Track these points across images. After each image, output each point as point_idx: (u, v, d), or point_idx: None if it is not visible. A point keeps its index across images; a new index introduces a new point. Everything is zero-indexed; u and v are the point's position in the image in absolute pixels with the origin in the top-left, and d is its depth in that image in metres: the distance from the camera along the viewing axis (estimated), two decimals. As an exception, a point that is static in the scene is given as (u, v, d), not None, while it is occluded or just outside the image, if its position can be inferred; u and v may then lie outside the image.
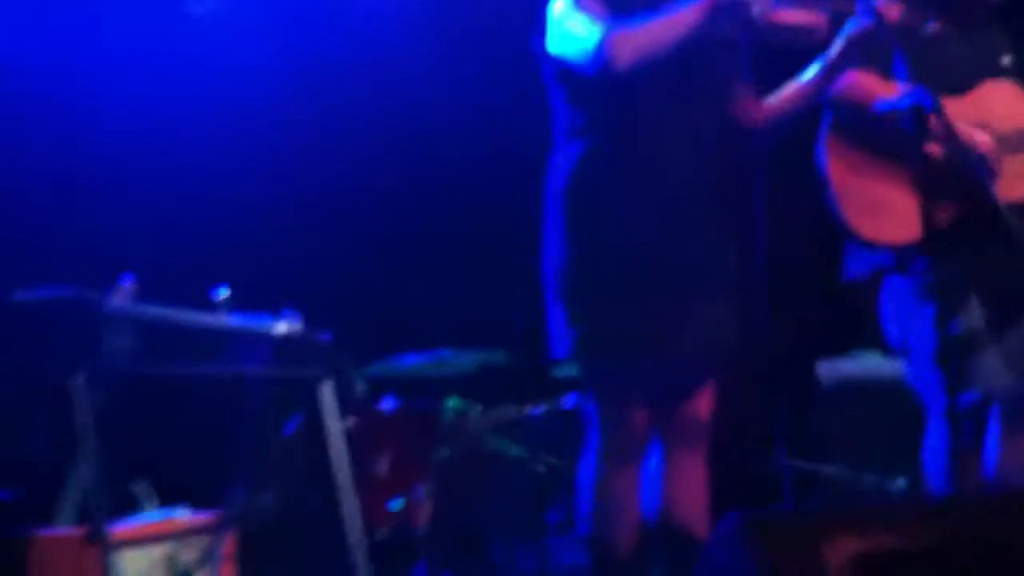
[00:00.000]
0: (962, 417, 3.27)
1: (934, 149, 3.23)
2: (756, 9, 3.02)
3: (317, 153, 5.28)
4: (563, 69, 3.17)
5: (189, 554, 3.04)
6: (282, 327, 2.93)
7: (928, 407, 3.35)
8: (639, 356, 3.09)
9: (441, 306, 5.32)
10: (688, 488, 3.25)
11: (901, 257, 3.38)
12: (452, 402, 4.56)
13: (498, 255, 5.05)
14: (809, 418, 4.98)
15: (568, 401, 4.48)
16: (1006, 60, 3.53)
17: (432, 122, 5.47)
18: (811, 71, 3.23)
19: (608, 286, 3.09)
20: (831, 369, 5.18)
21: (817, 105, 3.31)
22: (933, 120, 2.88)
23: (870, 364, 5.16)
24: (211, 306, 2.98)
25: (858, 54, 3.16)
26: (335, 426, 2.83)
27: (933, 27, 3.23)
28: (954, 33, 3.50)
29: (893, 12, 3.07)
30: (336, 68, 5.32)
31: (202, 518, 3.14)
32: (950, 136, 3.00)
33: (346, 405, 3.41)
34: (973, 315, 3.31)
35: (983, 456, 3.30)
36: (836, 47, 3.16)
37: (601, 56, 2.98)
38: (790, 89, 3.28)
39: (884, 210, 3.23)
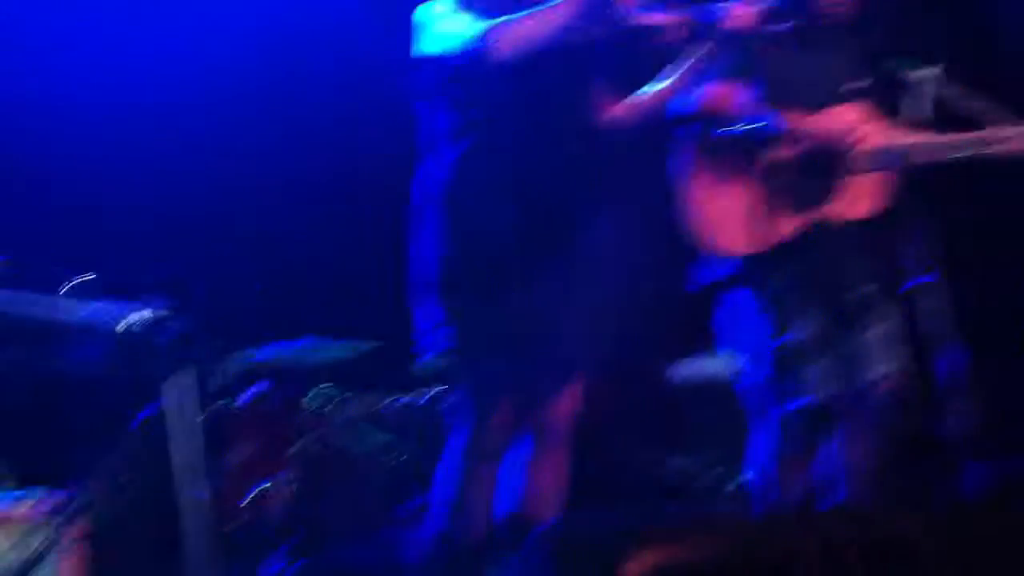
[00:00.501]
0: (792, 422, 3.43)
1: (777, 167, 3.40)
2: (621, 8, 3.13)
3: (192, 144, 5.27)
4: (441, 70, 3.23)
5: (41, 537, 3.03)
6: (130, 319, 2.93)
7: (757, 412, 3.50)
8: (507, 354, 3.16)
9: (308, 295, 5.34)
10: (547, 485, 3.32)
11: (742, 267, 3.51)
12: (317, 391, 4.58)
13: (368, 245, 5.05)
14: (662, 416, 5.14)
15: (432, 394, 4.54)
16: (860, 83, 3.69)
17: (298, 119, 5.50)
18: (669, 77, 3.34)
19: (479, 285, 3.16)
20: (683, 370, 5.35)
21: (673, 113, 3.43)
22: (776, 142, 2.98)
23: (720, 365, 5.35)
24: (70, 293, 2.97)
25: (715, 65, 3.29)
26: (183, 418, 2.84)
27: (787, 30, 3.33)
28: (809, 51, 3.66)
29: (746, 22, 3.19)
30: (209, 63, 5.30)
31: (55, 501, 3.13)
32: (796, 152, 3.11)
33: (204, 395, 3.40)
34: (808, 324, 3.48)
35: (812, 461, 3.46)
36: (692, 55, 3.28)
37: (483, 45, 3.07)
38: (649, 94, 3.38)
39: (729, 221, 3.36)
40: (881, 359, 3.52)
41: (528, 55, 3.09)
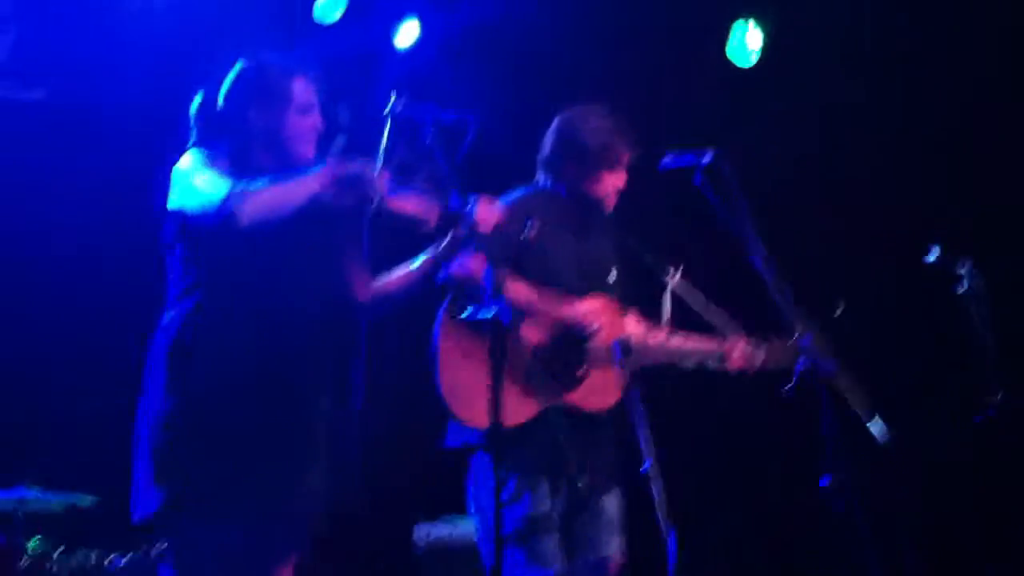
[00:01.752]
0: None
1: (520, 350, 3.52)
2: (374, 189, 3.15)
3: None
4: (182, 225, 3.19)
5: None
6: None
7: None
8: (222, 520, 3.07)
9: (28, 445, 5.14)
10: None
11: (486, 437, 3.58)
12: (33, 543, 4.37)
13: (98, 396, 4.97)
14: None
15: (155, 552, 4.39)
16: (613, 275, 3.88)
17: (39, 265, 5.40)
18: (419, 259, 3.43)
19: (198, 445, 3.07)
20: (427, 532, 5.35)
21: (432, 284, 3.50)
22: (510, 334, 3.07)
23: (465, 528, 5.38)
24: None
25: (463, 248, 3.38)
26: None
27: (531, 228, 3.46)
28: (568, 240, 3.84)
29: (492, 218, 3.28)
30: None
31: None
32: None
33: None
34: (541, 499, 3.56)
35: None
36: (444, 242, 3.37)
37: (225, 209, 3.01)
38: (399, 272, 3.46)
39: (476, 394, 3.38)
40: (607, 541, 3.65)
41: (267, 223, 3.06)
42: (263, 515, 3.12)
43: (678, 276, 3.84)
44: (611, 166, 3.90)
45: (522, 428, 3.56)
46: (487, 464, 3.56)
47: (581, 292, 3.79)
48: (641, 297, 3.96)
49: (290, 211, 3.07)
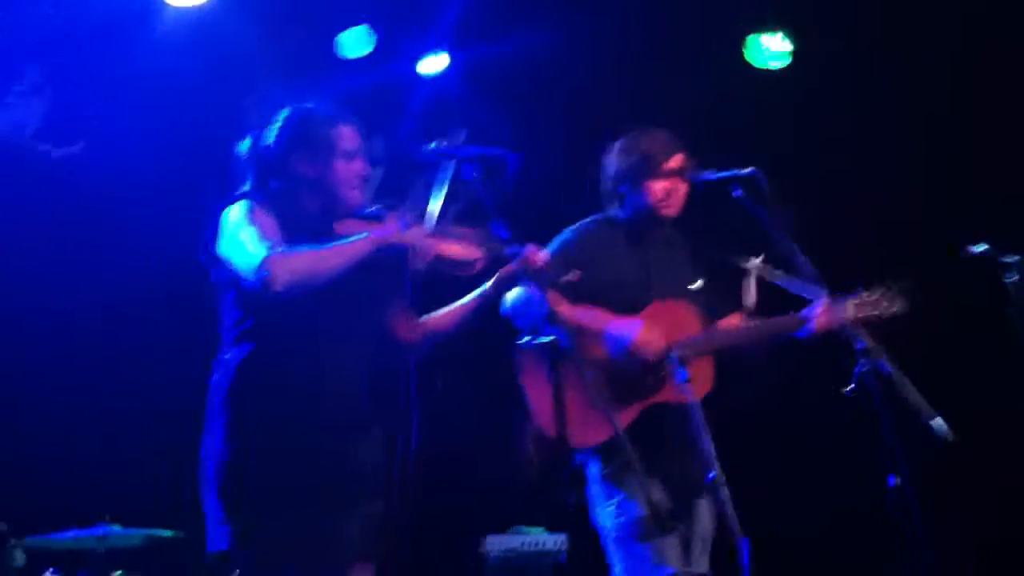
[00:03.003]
0: None
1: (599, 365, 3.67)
2: (418, 246, 3.21)
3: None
4: (231, 272, 3.24)
5: None
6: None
7: None
8: (292, 560, 3.14)
9: (107, 481, 5.25)
10: None
11: (594, 453, 3.84)
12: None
13: (171, 434, 5.05)
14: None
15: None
16: (697, 283, 3.96)
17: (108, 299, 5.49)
18: (466, 299, 3.49)
19: (264, 488, 3.14)
20: (498, 543, 5.43)
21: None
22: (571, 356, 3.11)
23: (533, 539, 5.46)
24: None
25: (511, 285, 3.47)
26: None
27: (572, 276, 3.51)
28: (632, 257, 3.93)
29: (538, 259, 3.33)
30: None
31: None
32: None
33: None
34: (652, 503, 3.64)
35: None
36: (490, 282, 3.44)
37: (260, 275, 3.05)
38: (446, 312, 3.52)
39: (577, 418, 3.40)
40: (700, 559, 3.72)
41: (306, 286, 3.10)
42: (326, 555, 3.18)
43: (758, 261, 3.93)
44: (655, 173, 4.03)
45: (627, 432, 3.61)
46: (597, 475, 3.86)
47: (649, 303, 3.94)
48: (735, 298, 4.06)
49: (329, 277, 3.12)
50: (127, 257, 5.56)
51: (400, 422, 3.37)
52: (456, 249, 3.31)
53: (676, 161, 4.04)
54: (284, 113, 3.42)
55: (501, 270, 3.40)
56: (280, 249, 3.10)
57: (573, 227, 4.13)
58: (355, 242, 3.18)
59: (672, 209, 4.05)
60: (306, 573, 3.18)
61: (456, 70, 6.23)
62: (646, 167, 4.03)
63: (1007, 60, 5.81)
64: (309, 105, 3.45)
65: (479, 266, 3.35)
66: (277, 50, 5.85)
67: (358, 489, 3.26)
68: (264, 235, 3.14)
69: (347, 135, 3.38)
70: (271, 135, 3.39)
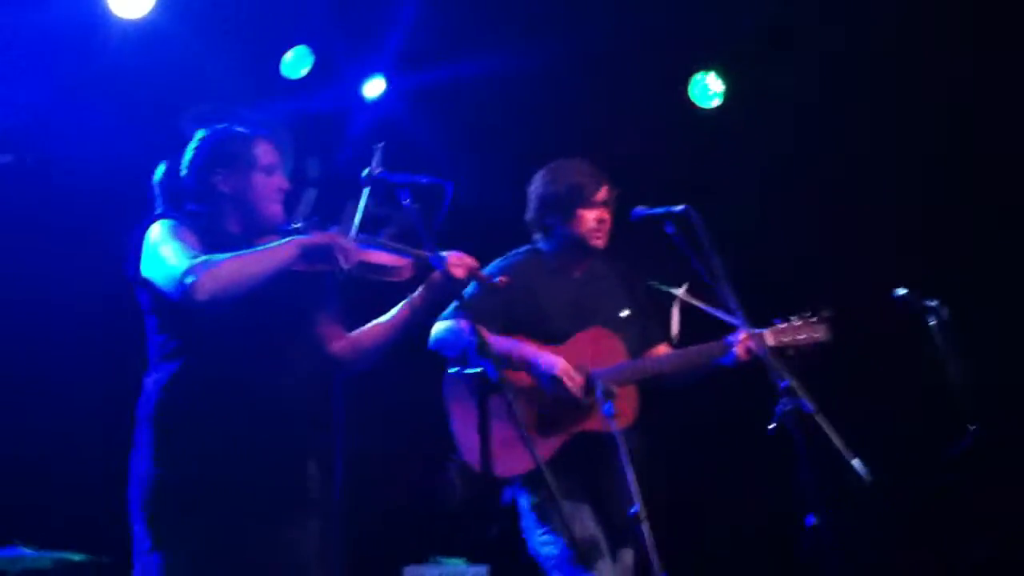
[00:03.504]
0: None
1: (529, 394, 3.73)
2: (346, 258, 3.21)
3: None
4: (154, 293, 3.22)
5: None
6: None
7: None
8: None
9: (18, 503, 5.12)
10: None
11: (522, 483, 3.90)
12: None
13: (85, 455, 5.00)
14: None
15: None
16: (624, 312, 4.00)
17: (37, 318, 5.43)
18: (394, 310, 3.49)
19: (189, 515, 3.10)
20: (416, 574, 5.42)
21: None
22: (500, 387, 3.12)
23: (453, 570, 5.46)
24: None
25: (437, 294, 3.46)
26: None
27: (500, 281, 3.56)
28: (561, 287, 3.97)
29: (464, 264, 3.37)
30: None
31: None
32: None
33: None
34: (586, 524, 3.66)
35: None
36: (418, 291, 3.45)
37: (183, 285, 3.02)
38: (375, 325, 3.51)
39: (503, 448, 3.36)
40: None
41: (229, 295, 3.07)
42: (255, 573, 3.14)
43: (684, 291, 3.98)
44: (585, 203, 4.08)
45: (553, 460, 3.66)
46: (527, 503, 3.91)
47: (572, 334, 3.98)
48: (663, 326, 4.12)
49: (254, 283, 3.09)
50: (54, 266, 5.48)
51: (327, 440, 3.37)
52: (383, 256, 3.33)
53: (604, 192, 4.09)
54: (199, 134, 3.43)
55: (429, 277, 3.41)
56: (202, 258, 3.08)
57: (502, 258, 4.17)
58: (279, 246, 3.17)
59: (602, 240, 4.10)
60: None
61: (397, 94, 6.24)
62: (576, 197, 4.07)
63: (931, 94, 5.94)
64: (224, 125, 3.45)
65: (406, 274, 3.37)
66: (218, 66, 5.83)
67: (299, 505, 3.24)
68: (186, 248, 3.12)
69: (265, 150, 3.39)
70: (187, 157, 3.39)
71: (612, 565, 3.82)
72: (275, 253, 3.15)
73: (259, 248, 3.18)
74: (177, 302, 3.08)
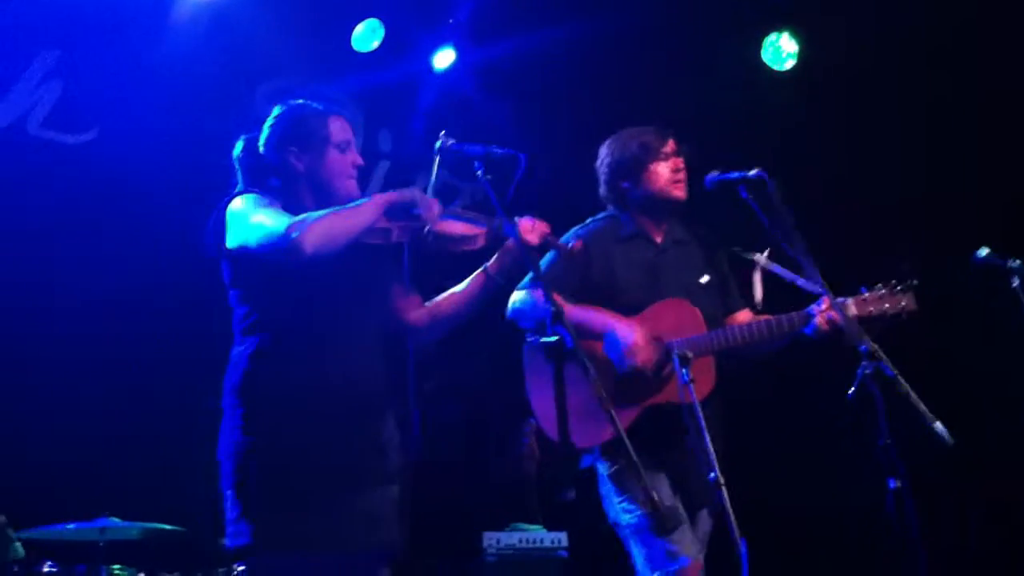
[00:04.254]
0: None
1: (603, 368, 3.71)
2: (429, 214, 3.24)
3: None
4: (243, 263, 3.26)
5: None
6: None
7: None
8: (308, 551, 3.14)
9: (107, 475, 5.26)
10: None
11: (600, 452, 3.88)
12: (115, 570, 4.48)
13: (173, 429, 5.10)
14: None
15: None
16: (704, 278, 3.98)
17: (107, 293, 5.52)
18: (469, 279, 3.49)
19: (278, 482, 3.14)
20: (496, 540, 5.48)
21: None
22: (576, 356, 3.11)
23: (531, 536, 5.51)
24: None
25: (512, 263, 3.44)
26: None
27: (574, 246, 3.55)
28: (638, 255, 3.96)
29: (537, 230, 3.37)
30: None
31: None
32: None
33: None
34: (665, 495, 3.69)
35: None
36: (493, 259, 3.45)
37: (288, 238, 3.07)
38: (452, 294, 3.52)
39: (580, 417, 3.41)
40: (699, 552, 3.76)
41: (330, 251, 3.12)
42: (346, 544, 3.19)
43: (765, 257, 3.93)
44: (655, 156, 4.03)
45: (630, 431, 3.62)
46: (606, 471, 3.90)
47: (652, 303, 3.94)
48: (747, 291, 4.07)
49: (350, 238, 3.15)
50: (135, 249, 5.58)
51: (404, 406, 3.40)
52: (457, 226, 3.34)
53: (671, 144, 4.05)
54: (276, 111, 3.46)
55: (503, 245, 3.40)
56: (300, 216, 3.13)
57: (580, 226, 4.13)
58: (365, 202, 3.22)
59: (681, 190, 4.03)
60: (321, 565, 3.18)
61: (467, 66, 6.24)
62: (644, 154, 4.02)
63: (1009, 62, 5.80)
64: (300, 101, 3.48)
65: (481, 242, 3.36)
66: (289, 42, 5.87)
67: (381, 471, 3.26)
68: (280, 212, 3.19)
69: (339, 127, 3.41)
70: (264, 134, 3.42)
71: (691, 533, 3.81)
72: (364, 208, 3.21)
73: (350, 205, 3.23)
74: (281, 259, 3.12)
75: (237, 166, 3.45)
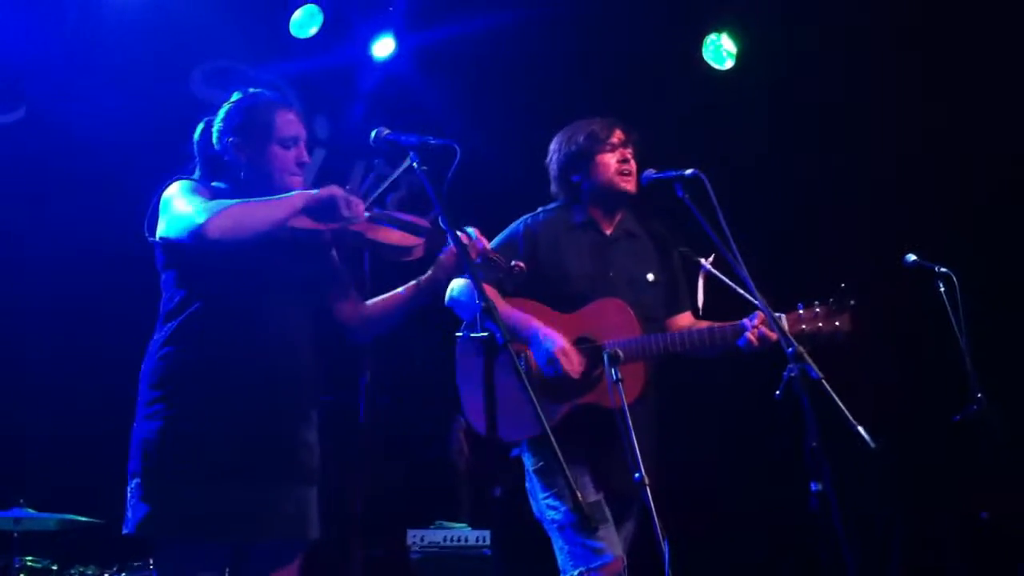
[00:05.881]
0: None
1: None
2: (347, 214, 3.22)
3: None
4: (165, 251, 3.25)
5: None
6: None
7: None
8: (206, 537, 3.13)
9: (23, 466, 5.20)
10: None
11: (527, 447, 3.90)
12: (29, 561, 4.41)
13: (90, 420, 5.02)
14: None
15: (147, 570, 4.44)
16: (650, 276, 3.97)
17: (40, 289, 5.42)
18: (407, 286, 3.48)
19: (181, 466, 3.12)
20: (420, 537, 5.47)
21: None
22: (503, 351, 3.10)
23: (455, 534, 5.51)
24: None
25: (451, 272, 3.45)
26: None
27: (515, 266, 3.54)
28: (583, 250, 3.94)
29: (477, 248, 3.37)
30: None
31: None
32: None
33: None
34: (588, 491, 3.73)
35: None
36: (426, 275, 3.44)
37: (195, 224, 3.08)
38: (386, 298, 3.51)
39: (508, 412, 3.33)
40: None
41: (236, 239, 3.11)
42: (243, 531, 3.16)
43: (709, 261, 3.93)
44: (602, 147, 4.02)
45: (558, 427, 3.65)
46: (532, 466, 3.91)
47: (598, 297, 3.93)
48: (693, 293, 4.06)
49: (259, 231, 3.14)
50: (66, 228, 5.49)
51: (320, 405, 3.38)
52: (395, 236, 3.33)
53: (619, 133, 4.04)
54: (233, 97, 3.44)
55: (441, 256, 3.41)
56: (213, 203, 3.14)
57: (526, 216, 4.10)
58: (285, 197, 3.22)
59: (628, 182, 4.02)
60: (222, 558, 3.18)
61: (407, 52, 6.20)
62: (592, 145, 4.01)
63: (952, 62, 5.87)
64: (255, 90, 3.46)
65: (419, 253, 3.36)
66: (227, 24, 5.80)
67: (284, 472, 3.23)
68: (202, 200, 3.17)
69: (285, 121, 3.38)
70: (217, 121, 3.40)
71: (615, 531, 3.81)
72: (280, 203, 3.20)
73: (268, 198, 3.22)
74: (190, 245, 3.12)
75: (195, 150, 3.44)
